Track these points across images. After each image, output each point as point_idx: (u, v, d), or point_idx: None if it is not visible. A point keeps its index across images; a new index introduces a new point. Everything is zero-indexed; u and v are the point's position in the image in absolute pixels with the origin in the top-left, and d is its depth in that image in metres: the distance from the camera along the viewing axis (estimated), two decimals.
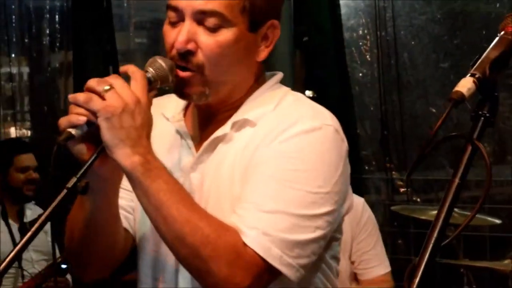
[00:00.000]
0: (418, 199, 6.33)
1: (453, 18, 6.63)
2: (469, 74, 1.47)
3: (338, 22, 6.14)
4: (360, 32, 6.62)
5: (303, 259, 1.78)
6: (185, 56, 1.83)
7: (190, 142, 1.97)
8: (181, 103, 2.02)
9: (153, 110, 1.84)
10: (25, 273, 4.96)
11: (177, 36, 1.84)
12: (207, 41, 1.82)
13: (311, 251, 1.79)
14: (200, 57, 1.83)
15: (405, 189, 6.35)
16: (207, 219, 1.76)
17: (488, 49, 1.50)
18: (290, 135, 1.81)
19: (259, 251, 1.74)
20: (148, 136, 1.75)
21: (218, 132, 1.91)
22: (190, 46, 1.83)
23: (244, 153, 1.87)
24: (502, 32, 1.51)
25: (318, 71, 5.92)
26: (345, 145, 1.88)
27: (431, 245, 1.37)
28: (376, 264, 4.04)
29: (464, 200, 5.52)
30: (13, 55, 6.89)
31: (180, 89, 1.88)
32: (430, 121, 6.38)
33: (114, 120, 1.69)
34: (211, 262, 1.71)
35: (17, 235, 5.13)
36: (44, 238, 5.07)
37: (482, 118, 1.47)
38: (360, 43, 6.62)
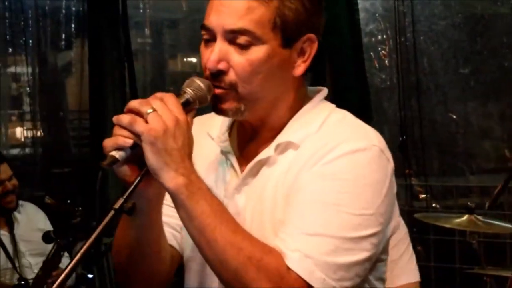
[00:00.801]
0: (438, 206, 6.29)
1: (473, 23, 6.59)
2: None
3: (357, 27, 6.11)
4: (379, 37, 6.60)
5: (347, 281, 1.78)
6: (217, 75, 1.85)
7: (236, 164, 1.98)
8: (226, 122, 2.03)
9: (199, 129, 1.89)
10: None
11: (209, 55, 1.85)
12: (238, 60, 1.84)
13: (355, 273, 1.78)
14: (232, 75, 1.85)
15: (425, 195, 6.31)
16: (250, 240, 1.77)
17: None
18: (334, 157, 1.81)
19: (302, 274, 1.74)
20: (189, 156, 1.77)
21: (262, 155, 1.92)
22: (222, 66, 1.85)
23: (287, 176, 1.87)
24: None
25: (337, 77, 5.90)
26: (391, 165, 1.87)
27: None
28: (400, 272, 3.99)
29: (482, 207, 5.48)
30: (29, 57, 6.92)
31: (216, 105, 1.89)
32: (449, 127, 6.34)
33: (158, 143, 1.71)
34: (254, 284, 1.73)
35: (9, 246, 5.05)
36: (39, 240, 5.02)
37: None
38: (379, 48, 6.60)
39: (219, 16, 1.84)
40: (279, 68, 1.87)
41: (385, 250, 1.91)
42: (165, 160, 1.72)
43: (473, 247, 4.39)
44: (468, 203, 4.60)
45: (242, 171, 1.96)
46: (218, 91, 1.86)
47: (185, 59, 7.43)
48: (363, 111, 5.93)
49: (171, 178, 1.73)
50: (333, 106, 1.98)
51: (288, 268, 1.74)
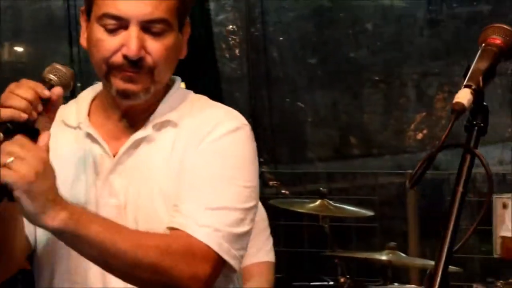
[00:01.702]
0: (287, 192, 6.45)
1: (320, 15, 6.78)
2: (464, 86, 1.52)
3: (207, 17, 6.16)
4: (230, 27, 6.68)
5: (242, 251, 1.90)
6: (137, 62, 1.89)
7: (106, 146, 1.98)
8: (84, 110, 2.03)
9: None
10: None
11: (124, 43, 1.88)
12: (156, 47, 1.90)
13: (246, 243, 1.93)
14: (149, 61, 1.90)
15: (275, 182, 6.45)
16: (151, 236, 1.83)
17: (475, 61, 1.56)
18: (219, 134, 1.92)
19: (213, 247, 1.84)
20: (56, 187, 1.76)
21: (139, 134, 1.96)
22: (141, 52, 1.89)
23: (173, 153, 1.93)
24: (484, 44, 1.57)
25: (188, 65, 5.92)
26: (254, 141, 2.00)
27: (445, 252, 1.46)
28: (256, 251, 4.06)
29: (331, 192, 5.67)
30: None
31: (125, 87, 1.91)
32: (298, 116, 6.51)
33: (33, 189, 1.69)
34: (172, 270, 1.79)
35: None
36: None
37: (476, 127, 1.53)
38: (230, 38, 6.68)
39: (134, 5, 1.88)
40: (178, 51, 1.98)
41: None
42: (43, 203, 1.71)
43: (325, 231, 4.53)
44: (320, 189, 4.76)
45: (113, 152, 1.97)
46: (130, 73, 1.90)
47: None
48: (214, 100, 5.99)
49: (53, 217, 1.72)
50: (191, 91, 2.08)
51: (197, 241, 1.82)
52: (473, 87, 1.50)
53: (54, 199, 1.73)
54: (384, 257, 4.13)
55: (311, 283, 4.77)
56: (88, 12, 1.95)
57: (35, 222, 1.74)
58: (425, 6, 6.69)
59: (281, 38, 6.74)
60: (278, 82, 6.69)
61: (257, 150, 1.98)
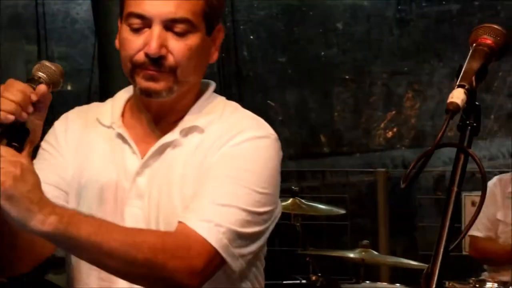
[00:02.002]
0: None
1: (290, 13, 6.80)
2: (457, 86, 1.53)
3: None
4: None
5: (243, 249, 1.90)
6: (157, 60, 1.90)
7: (135, 147, 1.99)
8: (118, 110, 2.04)
9: (85, 116, 2.00)
10: None
11: (146, 42, 1.90)
12: (178, 46, 1.91)
13: (250, 243, 1.91)
14: (171, 60, 1.91)
15: None
16: (143, 232, 1.85)
17: (467, 61, 1.57)
18: (242, 140, 1.93)
19: (211, 240, 1.84)
20: (42, 190, 1.74)
21: (167, 138, 1.97)
22: (163, 51, 1.90)
23: (195, 155, 1.95)
24: (475, 44, 1.58)
25: None
26: (281, 153, 2.02)
27: (441, 251, 1.46)
28: None
29: (302, 190, 5.68)
30: None
31: (147, 86, 1.92)
32: (268, 114, 6.52)
33: (15, 193, 1.68)
34: (166, 266, 1.79)
35: None
36: None
37: (469, 127, 1.53)
38: None
39: (157, 4, 1.90)
40: (205, 54, 1.98)
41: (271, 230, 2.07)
42: (27, 207, 1.69)
43: (297, 230, 4.53)
44: (292, 187, 4.75)
45: (142, 154, 1.98)
46: (152, 72, 1.91)
47: None
48: None
49: (41, 222, 1.71)
50: (224, 98, 2.10)
51: (194, 237, 1.83)
52: (466, 87, 1.51)
53: (39, 201, 1.71)
54: (357, 255, 4.14)
55: (284, 282, 4.77)
56: (121, 13, 1.97)
57: (25, 227, 1.72)
58: (395, 6, 6.73)
59: (251, 37, 6.76)
60: (248, 81, 6.70)
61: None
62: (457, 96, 1.50)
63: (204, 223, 1.84)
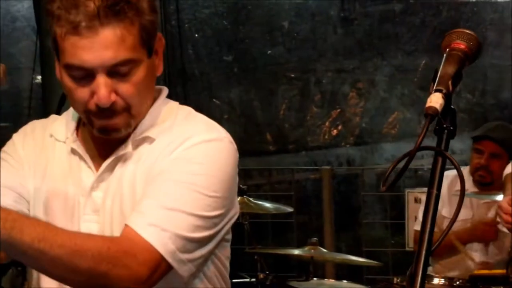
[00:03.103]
0: None
1: (236, 12, 6.81)
2: (434, 90, 1.55)
3: None
4: None
5: (192, 254, 1.88)
6: (109, 107, 1.88)
7: (90, 161, 1.98)
8: (72, 125, 2.02)
9: (43, 131, 1.99)
10: None
11: (94, 91, 1.87)
12: (125, 88, 1.88)
13: (199, 247, 1.90)
14: (122, 103, 1.89)
15: None
16: (88, 238, 1.82)
17: (443, 65, 1.60)
18: (192, 144, 1.92)
19: (157, 246, 1.82)
20: None
21: (119, 152, 1.96)
22: (112, 97, 1.88)
23: (144, 164, 1.94)
24: (448, 49, 1.61)
25: None
26: (237, 155, 2.00)
27: (424, 252, 1.48)
28: None
29: (249, 188, 5.69)
30: None
31: (108, 129, 1.91)
32: (214, 113, 6.53)
33: None
34: (109, 274, 1.78)
35: None
36: None
37: (446, 130, 1.55)
38: None
39: (95, 54, 1.84)
40: (152, 77, 1.95)
41: (228, 231, 2.03)
42: None
43: (244, 228, 4.54)
44: (240, 185, 4.74)
45: (96, 169, 1.98)
46: (107, 118, 1.89)
47: None
48: None
49: None
50: (177, 103, 2.07)
51: (140, 242, 1.82)
52: (444, 91, 1.54)
53: None
54: (306, 253, 4.16)
55: (232, 280, 4.78)
56: (57, 54, 1.92)
57: None
58: (339, 5, 6.79)
59: (196, 35, 6.75)
60: (193, 79, 6.69)
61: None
62: (435, 100, 1.53)
63: (151, 228, 1.83)
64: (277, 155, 6.81)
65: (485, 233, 4.27)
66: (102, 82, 1.85)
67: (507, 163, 4.25)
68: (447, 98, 1.54)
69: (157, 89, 2.04)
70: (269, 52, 6.84)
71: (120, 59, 1.85)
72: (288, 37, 6.83)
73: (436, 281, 3.68)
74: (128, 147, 1.96)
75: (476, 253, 4.33)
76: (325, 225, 5.77)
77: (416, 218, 4.97)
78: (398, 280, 3.71)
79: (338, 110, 6.83)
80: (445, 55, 1.61)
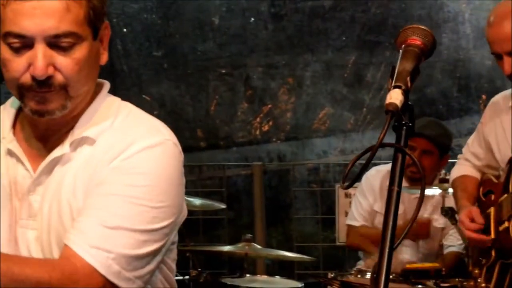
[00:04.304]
0: None
1: (166, 7, 6.76)
2: (393, 86, 1.53)
3: None
4: None
5: (140, 271, 1.81)
6: (46, 81, 1.78)
7: (27, 163, 1.87)
8: (9, 121, 1.91)
9: None
10: None
11: (31, 62, 1.77)
12: (65, 62, 1.79)
13: (147, 263, 1.82)
14: (60, 78, 1.80)
15: None
16: (28, 265, 1.74)
17: (400, 61, 1.58)
18: (132, 152, 1.82)
19: (99, 269, 1.75)
20: None
21: (56, 153, 1.86)
22: (50, 71, 1.78)
23: (85, 170, 1.83)
24: (404, 45, 1.60)
25: None
26: (182, 156, 1.92)
27: (387, 250, 1.47)
28: None
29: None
30: None
31: (39, 108, 1.80)
32: (144, 109, 6.45)
33: None
34: None
35: None
36: None
37: (405, 127, 1.54)
38: None
39: (36, 21, 1.75)
40: (95, 60, 1.86)
41: (176, 234, 1.97)
42: None
43: None
44: None
45: (34, 170, 1.87)
46: (41, 94, 1.79)
47: None
48: None
49: None
50: (118, 99, 1.97)
51: (82, 265, 1.75)
52: (403, 88, 1.53)
53: None
54: (240, 249, 4.15)
55: None
56: None
57: None
58: (269, 1, 6.79)
59: (125, 30, 6.67)
60: (122, 75, 6.62)
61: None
62: (395, 97, 1.52)
63: (92, 250, 1.75)
64: (208, 151, 6.79)
65: (418, 231, 4.32)
66: (41, 51, 1.77)
67: (438, 159, 4.32)
68: (406, 94, 1.54)
69: (99, 83, 1.96)
70: (199, 47, 6.81)
71: (63, 30, 1.77)
72: (218, 32, 6.81)
73: (369, 275, 3.71)
74: (65, 147, 1.86)
75: (407, 249, 4.38)
76: (256, 221, 5.78)
77: (346, 213, 5.01)
78: (332, 275, 3.72)
79: (269, 106, 6.84)
80: (401, 51, 1.61)
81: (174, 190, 1.87)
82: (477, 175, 3.35)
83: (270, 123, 6.86)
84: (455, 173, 3.44)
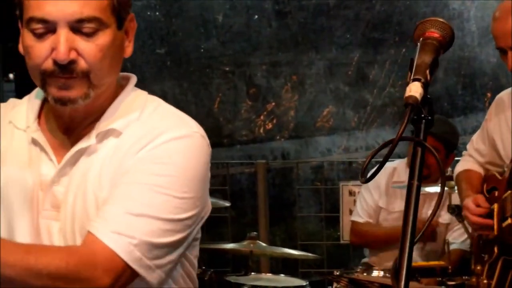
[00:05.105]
0: None
1: (168, 4, 6.74)
2: (412, 79, 1.51)
3: None
4: None
5: (160, 260, 1.80)
6: (68, 66, 1.76)
7: (51, 153, 1.86)
8: (34, 112, 1.90)
9: (3, 116, 1.85)
10: None
11: (53, 47, 1.76)
12: (88, 48, 1.77)
13: (169, 253, 1.82)
14: (83, 64, 1.78)
15: None
16: (44, 254, 1.73)
17: (418, 54, 1.56)
18: (159, 143, 1.81)
19: (120, 254, 1.74)
20: None
21: (82, 144, 1.84)
22: (72, 55, 1.76)
23: (111, 161, 1.82)
24: (422, 38, 1.58)
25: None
26: (210, 150, 1.91)
27: (408, 244, 1.45)
28: None
29: None
30: None
31: (61, 94, 1.78)
32: None
33: None
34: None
35: None
36: None
37: (424, 120, 1.52)
38: None
39: (59, 6, 1.75)
40: (119, 51, 1.84)
41: (199, 230, 1.95)
42: None
43: None
44: None
45: (59, 161, 1.86)
46: (63, 80, 1.78)
47: None
48: None
49: None
50: (145, 92, 1.95)
51: (103, 250, 1.74)
52: (422, 81, 1.51)
53: None
54: (245, 247, 4.14)
55: None
56: (21, 17, 1.81)
57: None
58: None
59: None
60: (126, 72, 6.60)
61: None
62: (415, 90, 1.50)
63: (114, 235, 1.74)
64: (212, 149, 6.77)
65: (424, 235, 4.30)
66: (63, 36, 1.75)
67: (444, 158, 4.30)
68: (425, 87, 1.52)
69: (125, 76, 1.94)
70: (202, 45, 6.79)
71: (86, 15, 1.76)
72: (222, 30, 6.80)
73: (375, 273, 3.69)
74: (92, 139, 1.84)
75: None
76: (260, 219, 5.76)
77: (350, 211, 4.99)
78: (338, 273, 3.71)
79: (273, 104, 6.83)
80: (419, 44, 1.59)
81: (199, 183, 1.86)
82: (480, 170, 3.33)
83: (274, 121, 6.84)
84: (459, 167, 3.43)
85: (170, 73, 6.75)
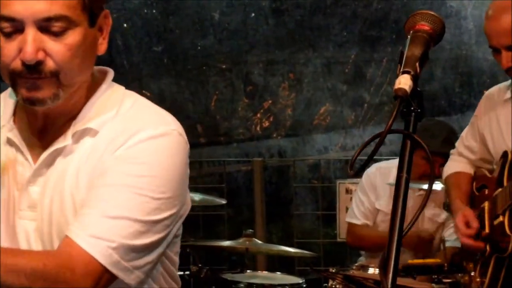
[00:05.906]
0: None
1: (165, 2, 6.73)
2: (402, 72, 1.50)
3: None
4: None
5: (138, 261, 1.79)
6: (36, 67, 1.73)
7: (27, 153, 1.84)
8: (8, 110, 1.87)
9: None
10: None
11: (21, 47, 1.73)
12: (56, 48, 1.74)
13: (147, 254, 1.80)
14: (51, 65, 1.75)
15: None
16: (22, 256, 1.73)
17: (408, 47, 1.55)
18: (135, 142, 1.79)
19: (98, 258, 1.73)
20: None
21: (58, 144, 1.82)
22: (40, 56, 1.73)
23: (88, 161, 1.80)
24: (412, 31, 1.57)
25: None
26: (187, 147, 1.88)
27: (396, 237, 1.45)
28: None
29: None
30: None
31: (30, 95, 1.76)
32: None
33: None
34: None
35: None
36: None
37: (414, 113, 1.51)
38: None
39: (27, 4, 1.72)
40: (91, 49, 1.80)
41: (180, 227, 1.94)
42: None
43: None
44: None
45: (34, 160, 1.84)
46: (32, 80, 1.75)
47: None
48: None
49: None
50: (122, 88, 1.92)
51: (80, 254, 1.73)
52: (412, 73, 1.50)
53: None
54: (241, 245, 4.13)
55: None
56: None
57: None
58: None
59: (125, 25, 6.65)
60: (122, 70, 6.59)
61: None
62: (404, 82, 1.49)
63: (92, 239, 1.73)
64: (208, 147, 6.77)
65: (418, 247, 4.28)
66: (30, 35, 1.72)
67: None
68: (415, 80, 1.51)
69: (102, 71, 1.90)
70: (199, 43, 6.78)
71: (54, 13, 1.72)
72: (219, 28, 6.79)
73: (371, 271, 3.69)
74: (68, 139, 1.82)
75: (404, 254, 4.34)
76: (257, 216, 5.75)
77: (347, 209, 4.98)
78: (333, 270, 3.70)
79: (270, 102, 6.82)
80: (409, 36, 1.58)
81: (177, 182, 1.83)
82: (470, 170, 3.32)
83: (271, 119, 6.84)
84: (448, 169, 3.41)
85: (167, 70, 6.74)
